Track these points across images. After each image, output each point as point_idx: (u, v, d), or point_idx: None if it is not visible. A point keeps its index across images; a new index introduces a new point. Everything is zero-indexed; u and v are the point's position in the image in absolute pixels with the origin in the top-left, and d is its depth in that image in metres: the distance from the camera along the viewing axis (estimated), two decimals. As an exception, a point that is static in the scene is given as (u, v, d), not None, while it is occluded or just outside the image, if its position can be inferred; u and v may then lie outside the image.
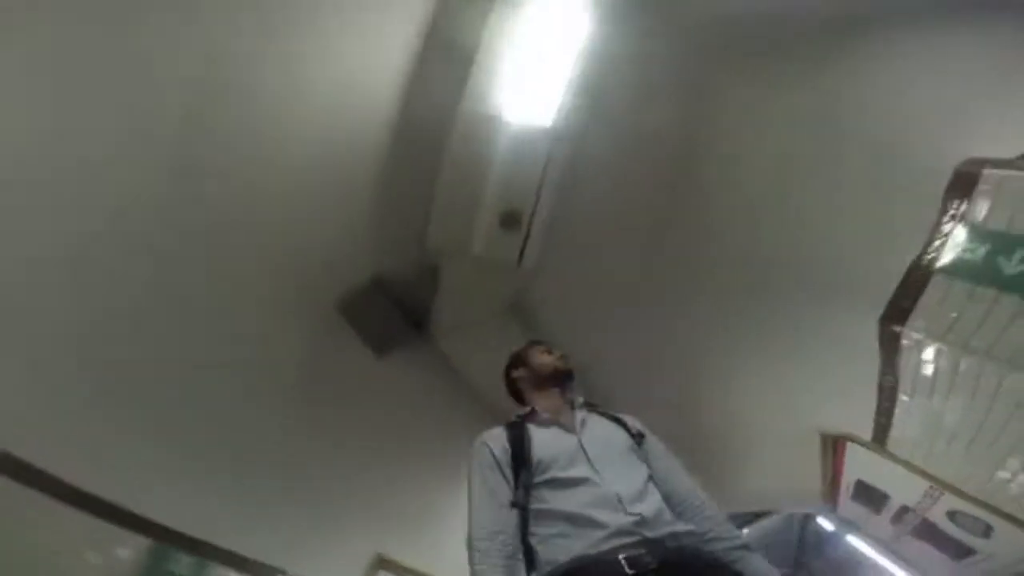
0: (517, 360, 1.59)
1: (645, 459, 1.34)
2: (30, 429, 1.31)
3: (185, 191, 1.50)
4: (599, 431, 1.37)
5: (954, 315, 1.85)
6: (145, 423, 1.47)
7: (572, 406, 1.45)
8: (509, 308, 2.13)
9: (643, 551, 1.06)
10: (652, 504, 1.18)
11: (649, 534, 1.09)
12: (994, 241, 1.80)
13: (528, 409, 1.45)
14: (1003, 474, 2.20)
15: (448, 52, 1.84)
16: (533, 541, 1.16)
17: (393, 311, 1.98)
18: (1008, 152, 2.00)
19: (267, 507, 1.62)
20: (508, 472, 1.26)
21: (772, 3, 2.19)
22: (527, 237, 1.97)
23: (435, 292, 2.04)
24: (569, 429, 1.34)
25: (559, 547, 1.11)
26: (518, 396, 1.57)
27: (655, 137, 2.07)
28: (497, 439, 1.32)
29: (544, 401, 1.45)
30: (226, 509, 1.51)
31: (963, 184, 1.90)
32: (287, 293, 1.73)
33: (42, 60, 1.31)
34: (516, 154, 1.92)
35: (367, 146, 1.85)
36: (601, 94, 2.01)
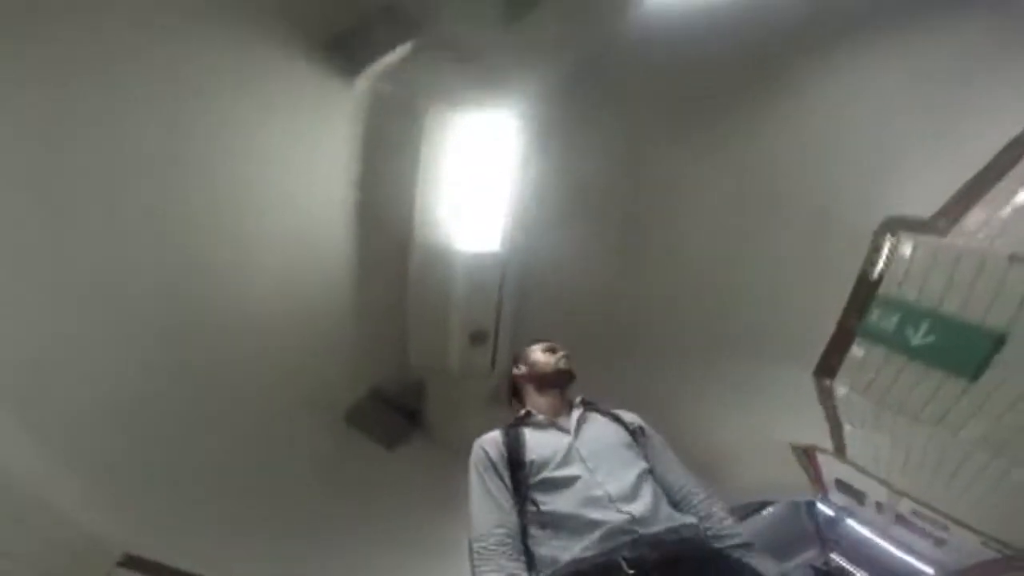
0: (518, 359, 1.62)
1: (644, 455, 1.36)
2: (142, 532, 1.92)
3: (209, 352, 1.92)
4: (594, 430, 1.40)
5: (872, 376, 2.12)
6: (232, 518, 2.01)
7: (571, 406, 1.48)
8: (493, 391, 2.47)
9: (643, 550, 1.09)
10: (646, 501, 1.20)
11: (645, 531, 1.12)
12: (904, 312, 2.02)
13: (524, 411, 1.48)
14: (958, 483, 2.49)
15: (389, 189, 2.10)
16: (531, 543, 1.21)
17: (393, 414, 2.41)
18: (932, 203, 2.15)
19: (332, 560, 2.24)
20: (504, 474, 1.31)
21: (698, 57, 2.34)
22: (496, 347, 2.30)
23: (424, 394, 2.47)
24: (564, 430, 1.38)
25: (557, 548, 1.15)
26: (518, 395, 1.60)
27: (600, 229, 2.34)
28: (493, 442, 1.38)
29: (541, 402, 1.49)
30: (302, 568, 2.12)
31: (880, 250, 2.10)
32: (306, 417, 2.20)
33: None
34: (473, 279, 2.20)
35: (339, 289, 2.18)
36: (543, 201, 2.25)
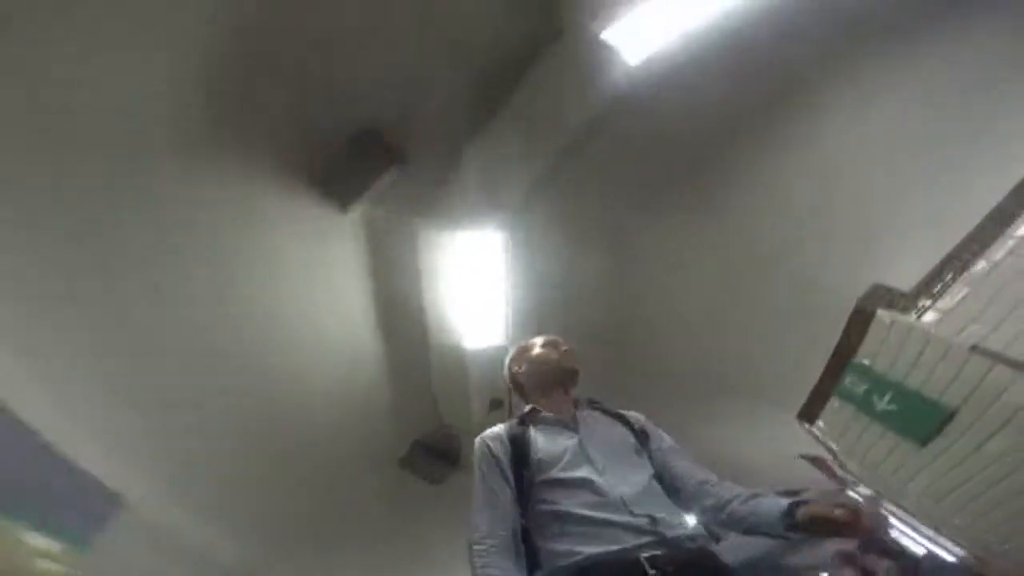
0: (519, 356, 1.62)
1: (648, 456, 1.39)
2: (259, 555, 3.04)
3: (290, 432, 2.81)
4: (602, 430, 1.42)
5: (843, 428, 2.49)
6: (319, 539, 3.15)
7: (576, 404, 1.49)
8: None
9: (663, 551, 1.11)
10: (658, 504, 1.23)
11: (664, 534, 1.14)
12: (873, 381, 2.33)
13: (529, 408, 1.50)
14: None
15: (399, 300, 2.67)
16: (537, 540, 1.22)
17: (435, 458, 3.30)
18: (913, 274, 2.31)
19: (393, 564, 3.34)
20: (509, 471, 1.31)
21: (678, 133, 2.55)
22: (511, 408, 2.80)
23: (460, 441, 3.29)
24: (571, 429, 1.39)
25: (567, 547, 1.16)
26: (521, 392, 1.61)
27: (593, 304, 2.76)
28: (497, 439, 1.38)
29: (546, 400, 1.49)
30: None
31: (861, 321, 2.34)
32: (369, 466, 3.20)
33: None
34: (483, 369, 2.74)
35: (379, 376, 2.92)
36: (538, 295, 2.69)
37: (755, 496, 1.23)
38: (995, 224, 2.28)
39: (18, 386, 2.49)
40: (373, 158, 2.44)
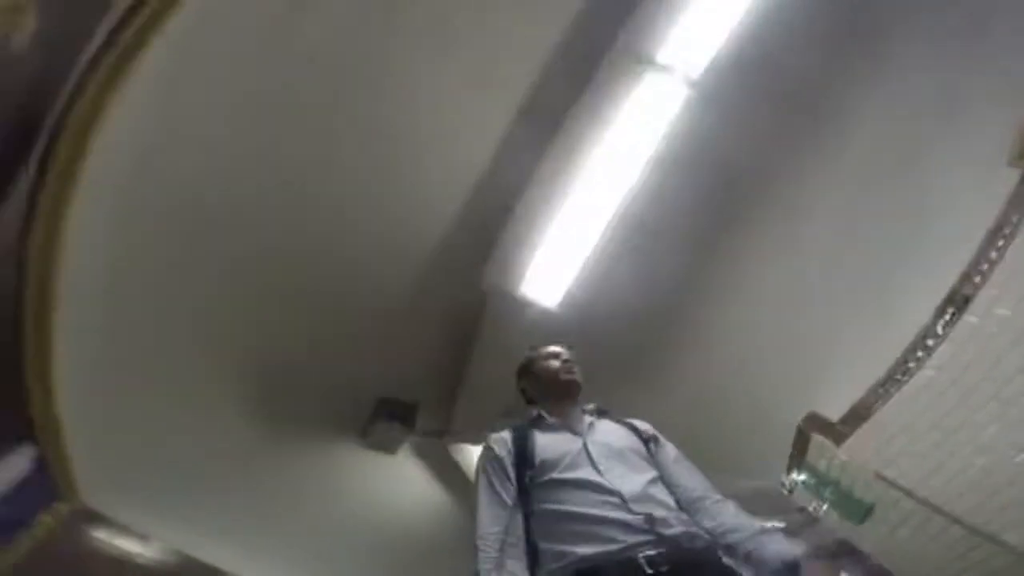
0: (524, 369, 1.75)
1: (656, 463, 1.48)
2: None
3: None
4: (606, 435, 1.52)
5: (808, 501, 3.39)
6: None
7: (583, 411, 1.61)
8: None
9: (660, 550, 1.17)
10: (659, 504, 1.31)
11: (663, 532, 1.21)
12: (819, 478, 3.15)
13: (536, 413, 1.62)
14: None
15: (462, 485, 3.94)
16: (539, 541, 1.30)
17: None
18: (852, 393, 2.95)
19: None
20: (511, 473, 1.41)
21: (620, 312, 3.27)
22: None
23: None
24: (576, 432, 1.49)
25: (568, 546, 1.24)
26: (530, 400, 1.74)
27: None
28: (501, 441, 1.48)
29: (552, 407, 1.61)
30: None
31: (801, 442, 3.10)
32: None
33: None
34: None
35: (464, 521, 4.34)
36: None
37: (761, 533, 1.34)
38: (914, 351, 2.80)
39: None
40: (399, 418, 3.63)
